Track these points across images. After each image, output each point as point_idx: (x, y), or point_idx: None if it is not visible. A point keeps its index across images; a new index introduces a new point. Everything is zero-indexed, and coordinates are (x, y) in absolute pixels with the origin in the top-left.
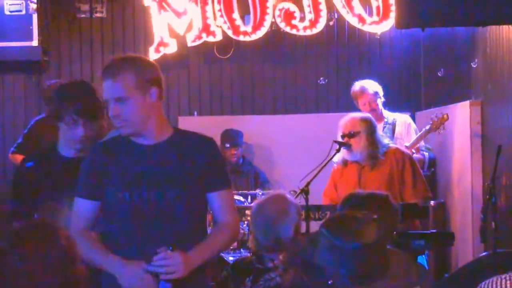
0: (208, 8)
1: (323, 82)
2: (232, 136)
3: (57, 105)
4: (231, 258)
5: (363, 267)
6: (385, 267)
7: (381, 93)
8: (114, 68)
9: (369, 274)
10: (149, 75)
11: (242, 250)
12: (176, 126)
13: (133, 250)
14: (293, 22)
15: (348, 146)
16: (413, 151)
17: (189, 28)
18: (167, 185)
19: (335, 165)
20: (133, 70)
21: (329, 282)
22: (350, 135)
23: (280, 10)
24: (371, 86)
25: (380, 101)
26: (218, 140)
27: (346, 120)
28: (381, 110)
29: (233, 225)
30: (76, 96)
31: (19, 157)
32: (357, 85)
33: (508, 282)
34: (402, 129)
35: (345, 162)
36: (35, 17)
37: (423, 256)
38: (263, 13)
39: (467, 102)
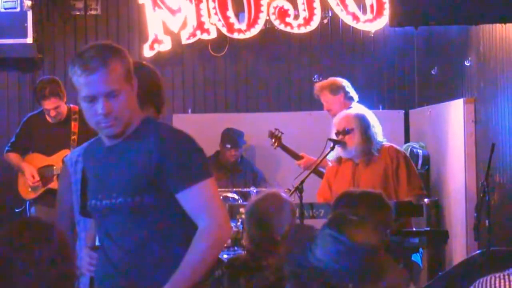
0: (203, 5)
1: (318, 80)
2: (233, 137)
3: None
4: (225, 256)
5: (365, 267)
6: (382, 269)
7: (346, 89)
8: (101, 58)
9: (371, 274)
10: (130, 62)
11: (236, 248)
12: (149, 117)
13: (97, 271)
14: (287, 19)
15: (342, 144)
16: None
17: (184, 25)
18: (116, 193)
19: (329, 163)
20: (119, 58)
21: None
22: (345, 132)
23: (275, 8)
24: (331, 85)
25: (340, 98)
26: (215, 138)
27: (340, 117)
28: (343, 107)
29: (210, 228)
30: None
31: (13, 156)
32: (317, 85)
33: (502, 280)
34: None
35: (339, 160)
36: (29, 14)
37: (418, 254)
38: (258, 10)
39: (460, 100)
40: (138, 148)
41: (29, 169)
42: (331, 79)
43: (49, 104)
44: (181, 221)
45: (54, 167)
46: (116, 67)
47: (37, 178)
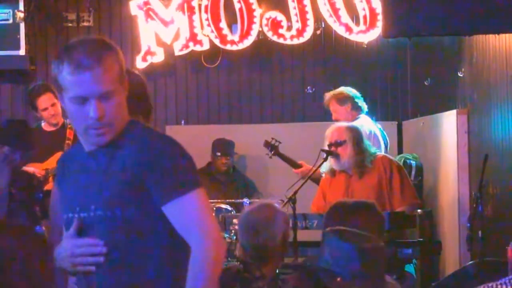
0: (195, 17)
1: (311, 91)
2: (223, 145)
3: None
4: None
5: (366, 267)
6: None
7: (355, 100)
8: (95, 54)
9: (371, 273)
10: (124, 61)
11: (229, 259)
12: (133, 120)
13: None
14: (280, 31)
15: (335, 155)
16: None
17: (176, 37)
18: (94, 205)
19: (323, 175)
20: (115, 54)
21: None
22: (337, 144)
23: (267, 19)
24: (338, 95)
25: (347, 109)
26: (208, 150)
27: (332, 129)
28: (350, 118)
29: (204, 247)
30: None
31: None
32: (326, 95)
33: None
34: None
35: (333, 172)
36: (22, 26)
37: (411, 264)
38: (250, 22)
39: (453, 111)
40: (121, 155)
41: (31, 168)
42: (341, 89)
43: (45, 101)
44: (169, 238)
45: (50, 169)
46: (111, 65)
47: (42, 170)
